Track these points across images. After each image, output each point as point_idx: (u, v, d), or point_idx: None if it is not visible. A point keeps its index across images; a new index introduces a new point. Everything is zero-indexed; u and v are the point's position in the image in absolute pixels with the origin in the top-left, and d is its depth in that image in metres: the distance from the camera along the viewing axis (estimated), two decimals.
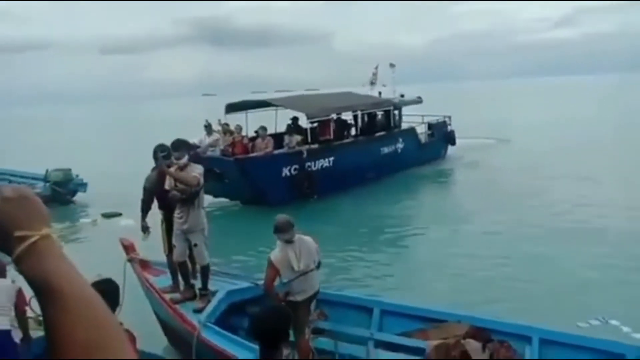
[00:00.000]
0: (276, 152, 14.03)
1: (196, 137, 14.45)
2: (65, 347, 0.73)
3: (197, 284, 5.95)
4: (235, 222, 13.23)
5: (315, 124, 15.03)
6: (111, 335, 0.77)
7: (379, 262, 9.60)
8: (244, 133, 14.83)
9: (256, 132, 14.44)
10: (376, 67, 19.89)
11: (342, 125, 16.33)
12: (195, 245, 5.76)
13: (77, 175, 15.91)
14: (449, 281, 8.27)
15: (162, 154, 5.84)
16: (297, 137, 14.27)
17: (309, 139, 14.34)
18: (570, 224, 10.89)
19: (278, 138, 14.73)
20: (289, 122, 15.41)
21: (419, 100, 19.96)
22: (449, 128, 20.56)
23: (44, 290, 0.77)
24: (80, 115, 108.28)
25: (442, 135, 20.13)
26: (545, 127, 28.94)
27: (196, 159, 13.79)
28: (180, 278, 5.97)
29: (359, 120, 16.87)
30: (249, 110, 15.73)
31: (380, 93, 18.91)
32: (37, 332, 4.95)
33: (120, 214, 13.34)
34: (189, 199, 5.68)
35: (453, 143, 20.47)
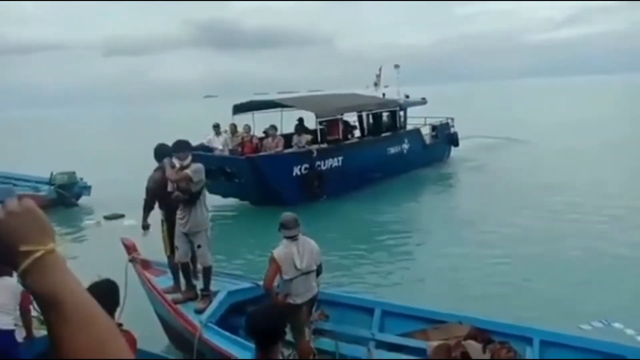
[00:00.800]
0: (286, 151, 14.07)
1: (202, 138, 14.57)
2: (68, 355, 0.78)
3: (199, 284, 5.97)
4: (245, 222, 13.27)
5: (324, 124, 15.12)
6: (111, 343, 0.81)
7: (383, 263, 9.61)
8: (251, 133, 14.92)
9: (265, 132, 14.52)
10: (380, 69, 20.04)
11: (346, 125, 16.42)
12: (199, 246, 5.77)
13: (81, 179, 16.00)
14: (450, 283, 8.26)
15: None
16: (307, 137, 14.34)
17: (319, 139, 14.40)
18: (574, 226, 10.85)
19: (286, 139, 14.77)
20: (303, 122, 15.53)
21: (423, 102, 20.05)
22: (452, 130, 20.62)
23: (48, 302, 0.80)
24: (84, 117, 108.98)
25: (445, 136, 20.19)
26: (555, 128, 28.97)
27: (206, 158, 13.96)
28: (181, 278, 5.99)
29: (365, 120, 16.96)
30: (256, 111, 15.79)
31: (384, 94, 18.98)
32: (40, 331, 4.98)
33: (122, 216, 13.39)
34: (192, 199, 5.70)
35: (456, 144, 20.52)
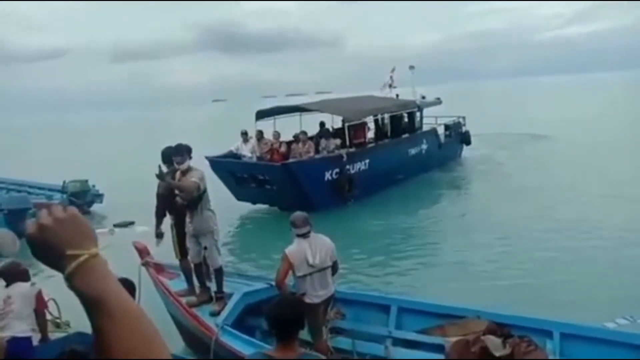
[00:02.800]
0: (317, 156, 14.17)
1: (223, 144, 14.63)
2: (113, 354, 0.84)
3: (212, 286, 5.96)
4: (275, 226, 13.26)
5: (352, 128, 15.17)
6: (156, 340, 0.88)
7: (404, 261, 9.61)
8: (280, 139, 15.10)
9: (295, 136, 14.69)
10: (393, 70, 20.04)
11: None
12: (205, 248, 5.80)
13: (93, 186, 16.09)
14: (469, 278, 8.24)
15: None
16: (337, 141, 14.41)
17: (348, 142, 14.47)
18: (596, 222, 10.68)
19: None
20: (325, 126, 15.66)
21: (438, 102, 20.13)
22: (464, 128, 20.73)
23: (93, 304, 0.86)
24: (93, 123, 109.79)
25: (457, 135, 20.33)
26: (569, 124, 28.76)
27: (237, 165, 13.87)
28: (195, 280, 5.99)
29: (387, 122, 17.13)
30: (277, 116, 15.84)
31: (397, 95, 19.08)
32: (54, 334, 4.99)
33: (132, 223, 13.45)
34: (192, 204, 5.71)
35: (468, 143, 20.65)
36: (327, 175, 13.52)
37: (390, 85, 19.64)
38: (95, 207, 16.01)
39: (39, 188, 16.89)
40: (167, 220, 6.34)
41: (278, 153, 14.35)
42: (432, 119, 19.99)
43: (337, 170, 13.56)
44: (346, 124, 14.60)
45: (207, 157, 13.87)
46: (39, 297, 4.90)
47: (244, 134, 14.75)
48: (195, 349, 5.86)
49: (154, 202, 6.31)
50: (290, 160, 13.76)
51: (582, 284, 7.71)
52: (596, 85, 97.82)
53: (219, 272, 5.88)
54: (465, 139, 20.51)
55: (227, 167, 14.11)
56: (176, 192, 5.76)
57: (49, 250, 0.89)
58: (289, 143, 14.72)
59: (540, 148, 22.04)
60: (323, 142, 14.56)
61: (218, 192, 14.03)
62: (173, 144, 6.15)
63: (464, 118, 20.89)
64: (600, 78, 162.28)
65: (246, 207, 14.47)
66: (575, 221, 10.94)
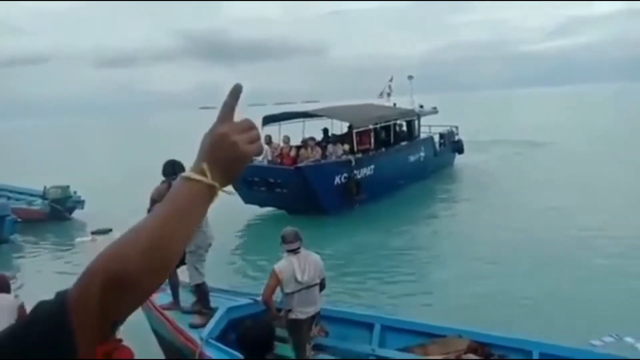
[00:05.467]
0: (326, 160, 14.59)
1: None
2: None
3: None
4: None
5: (358, 134, 15.63)
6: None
7: (402, 279, 9.61)
8: (280, 143, 15.33)
9: (303, 141, 15.17)
10: (391, 79, 20.77)
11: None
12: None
13: (75, 192, 15.93)
14: (452, 298, 8.29)
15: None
16: (345, 147, 14.83)
17: (355, 148, 14.98)
18: (581, 236, 10.83)
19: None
20: (328, 133, 16.14)
21: (435, 111, 20.89)
22: (457, 137, 21.46)
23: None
24: (76, 128, 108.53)
25: (451, 144, 21.07)
26: (554, 132, 29.79)
27: (249, 169, 14.27)
28: (180, 294, 5.97)
29: (390, 129, 17.63)
30: (283, 122, 16.25)
31: (395, 104, 19.71)
32: None
33: (110, 230, 13.35)
34: None
35: (461, 152, 21.37)
36: (337, 179, 14.02)
37: (388, 94, 20.39)
38: (77, 213, 15.86)
39: (20, 193, 16.68)
40: None
41: (288, 157, 14.70)
42: (426, 128, 20.55)
43: (345, 174, 14.10)
44: (353, 130, 15.11)
45: None
46: (20, 310, 4.84)
47: None
48: None
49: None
50: (302, 164, 14.15)
51: (569, 302, 7.75)
52: (577, 97, 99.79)
53: (197, 289, 5.85)
54: (459, 147, 21.26)
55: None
56: None
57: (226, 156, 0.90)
58: (297, 148, 15.14)
59: (528, 155, 23.09)
60: (330, 147, 15.00)
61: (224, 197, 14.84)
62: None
63: (456, 127, 21.63)
64: (581, 90, 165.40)
65: (252, 211, 14.94)
66: (562, 233, 11.15)
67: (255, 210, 15.01)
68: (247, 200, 14.69)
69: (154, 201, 6.05)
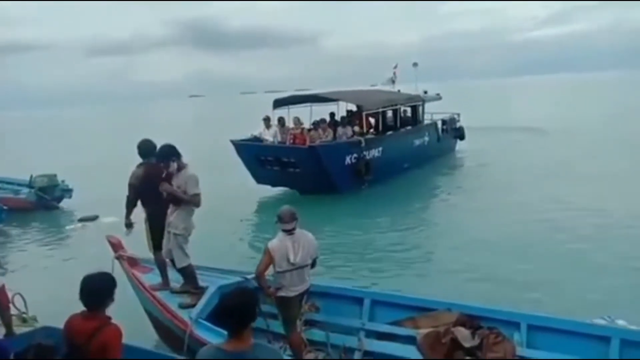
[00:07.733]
0: (337, 141, 14.84)
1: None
2: None
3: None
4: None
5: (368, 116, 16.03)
6: None
7: (398, 256, 9.72)
8: (290, 125, 15.72)
9: (314, 123, 15.47)
10: (396, 66, 21.03)
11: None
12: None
13: (62, 181, 15.76)
14: (447, 272, 8.43)
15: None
16: (356, 128, 15.17)
17: (365, 130, 15.26)
18: (580, 221, 10.84)
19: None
20: (335, 116, 16.43)
21: (438, 97, 21.32)
22: (458, 124, 21.84)
23: None
24: (66, 117, 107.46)
25: (453, 130, 21.48)
26: (548, 119, 30.17)
27: (262, 149, 14.74)
28: (169, 274, 5.95)
29: (398, 113, 17.89)
30: (292, 106, 16.56)
31: (399, 90, 19.98)
32: (20, 329, 4.90)
33: (97, 217, 13.49)
34: (176, 201, 5.61)
35: (462, 138, 21.81)
36: (348, 160, 14.33)
37: (393, 81, 20.64)
38: (65, 202, 15.73)
39: (7, 183, 16.49)
40: (140, 214, 6.12)
41: (300, 137, 14.97)
42: (427, 115, 20.69)
43: (355, 155, 14.44)
44: (364, 113, 15.39)
45: (231, 141, 15.20)
46: (1, 291, 4.78)
47: (266, 120, 15.60)
48: (169, 342, 5.84)
49: (124, 195, 6.03)
50: (315, 144, 14.39)
51: (561, 283, 7.79)
52: (569, 85, 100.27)
53: (184, 271, 5.79)
54: (460, 134, 21.70)
55: (251, 150, 14.97)
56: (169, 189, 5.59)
57: None
58: (308, 130, 15.42)
59: (525, 141, 23.52)
60: (340, 129, 15.24)
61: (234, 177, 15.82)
62: (145, 137, 5.98)
63: (458, 114, 22.00)
64: (574, 78, 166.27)
65: (263, 191, 15.29)
66: (556, 217, 11.23)
67: (266, 191, 15.35)
68: (259, 180, 15.24)
69: (132, 186, 5.88)
